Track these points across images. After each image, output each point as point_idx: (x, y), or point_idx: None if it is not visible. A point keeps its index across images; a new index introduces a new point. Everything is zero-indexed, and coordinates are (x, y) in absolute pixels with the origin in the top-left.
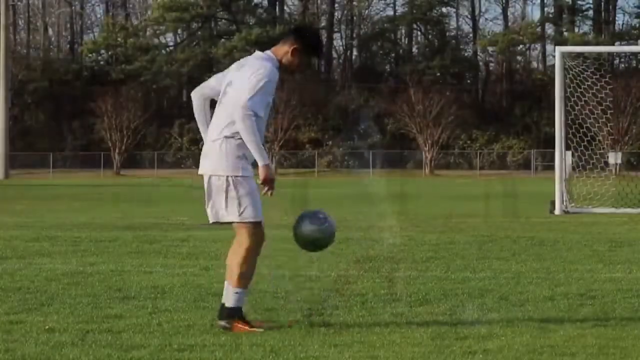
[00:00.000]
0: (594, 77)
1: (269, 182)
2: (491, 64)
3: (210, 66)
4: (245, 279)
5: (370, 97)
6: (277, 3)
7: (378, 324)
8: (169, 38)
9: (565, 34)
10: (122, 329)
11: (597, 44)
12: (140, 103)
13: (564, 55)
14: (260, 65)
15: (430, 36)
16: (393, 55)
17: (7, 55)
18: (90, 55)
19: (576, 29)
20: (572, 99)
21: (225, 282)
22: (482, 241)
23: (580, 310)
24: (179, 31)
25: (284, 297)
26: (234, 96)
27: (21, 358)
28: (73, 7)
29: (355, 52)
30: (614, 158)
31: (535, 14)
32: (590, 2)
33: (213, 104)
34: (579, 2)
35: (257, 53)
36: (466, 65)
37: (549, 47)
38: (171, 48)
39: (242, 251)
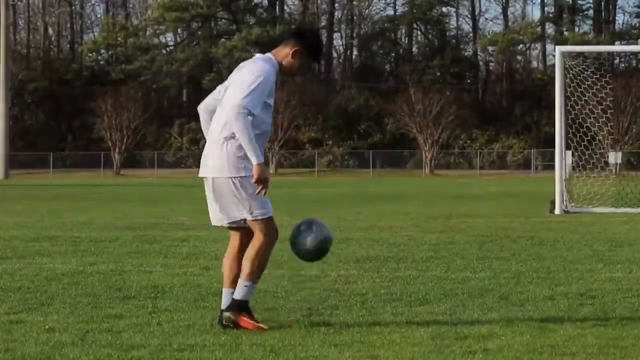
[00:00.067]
0: (594, 76)
1: (262, 181)
2: (491, 64)
3: (210, 66)
4: (256, 273)
5: (370, 97)
6: (277, 3)
7: (378, 323)
8: (169, 38)
9: (566, 33)
10: (122, 328)
11: (597, 43)
12: (140, 103)
13: (564, 54)
14: (257, 66)
15: (430, 36)
16: (393, 55)
17: (7, 55)
18: (90, 55)
19: (576, 29)
20: (572, 99)
21: (224, 289)
22: (482, 241)
23: (580, 310)
24: (179, 31)
25: (284, 297)
26: (230, 97)
27: (21, 358)
28: (73, 7)
29: (355, 52)
30: (614, 158)
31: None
32: (591, 1)
33: None
34: (579, 1)
35: (257, 55)
36: (466, 65)
37: (549, 47)
38: (171, 48)
39: (256, 247)
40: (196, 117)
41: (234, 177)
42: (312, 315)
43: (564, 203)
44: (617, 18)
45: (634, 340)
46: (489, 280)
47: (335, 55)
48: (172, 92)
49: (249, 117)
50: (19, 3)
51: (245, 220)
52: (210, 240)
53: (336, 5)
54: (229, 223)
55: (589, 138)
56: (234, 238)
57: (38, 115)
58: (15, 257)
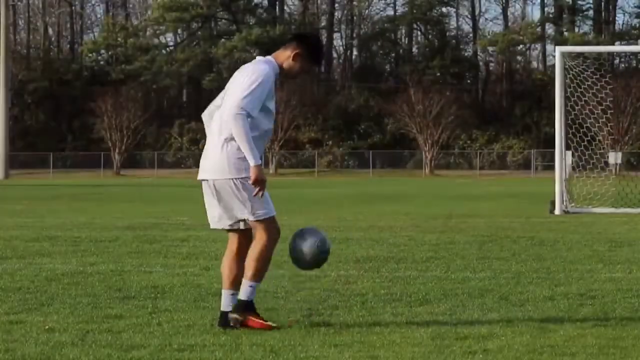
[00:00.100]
0: (594, 77)
1: (259, 182)
2: (491, 64)
3: (210, 66)
4: (261, 273)
5: (370, 97)
6: (277, 3)
7: (378, 324)
8: (169, 38)
9: (566, 33)
10: (122, 329)
11: (597, 43)
12: (140, 103)
13: (564, 55)
14: (257, 68)
15: (430, 36)
16: (393, 55)
17: (7, 55)
18: (90, 55)
19: (576, 29)
20: (572, 99)
21: (223, 290)
22: (482, 241)
23: (580, 310)
24: (179, 31)
25: (284, 297)
26: (229, 99)
27: (21, 358)
28: (73, 7)
29: (355, 52)
30: (614, 158)
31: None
32: (591, 2)
33: None
34: (579, 2)
35: (258, 58)
36: (466, 65)
37: (549, 47)
38: (171, 48)
39: (259, 247)
40: (196, 117)
41: (235, 179)
42: (312, 316)
43: (564, 203)
44: (617, 18)
45: (634, 340)
46: (489, 280)
47: (335, 55)
48: (172, 92)
49: (247, 118)
50: (19, 3)
51: (246, 220)
52: (210, 240)
53: (336, 5)
54: (230, 225)
55: (589, 138)
56: (233, 240)
57: (38, 115)
58: (15, 257)
